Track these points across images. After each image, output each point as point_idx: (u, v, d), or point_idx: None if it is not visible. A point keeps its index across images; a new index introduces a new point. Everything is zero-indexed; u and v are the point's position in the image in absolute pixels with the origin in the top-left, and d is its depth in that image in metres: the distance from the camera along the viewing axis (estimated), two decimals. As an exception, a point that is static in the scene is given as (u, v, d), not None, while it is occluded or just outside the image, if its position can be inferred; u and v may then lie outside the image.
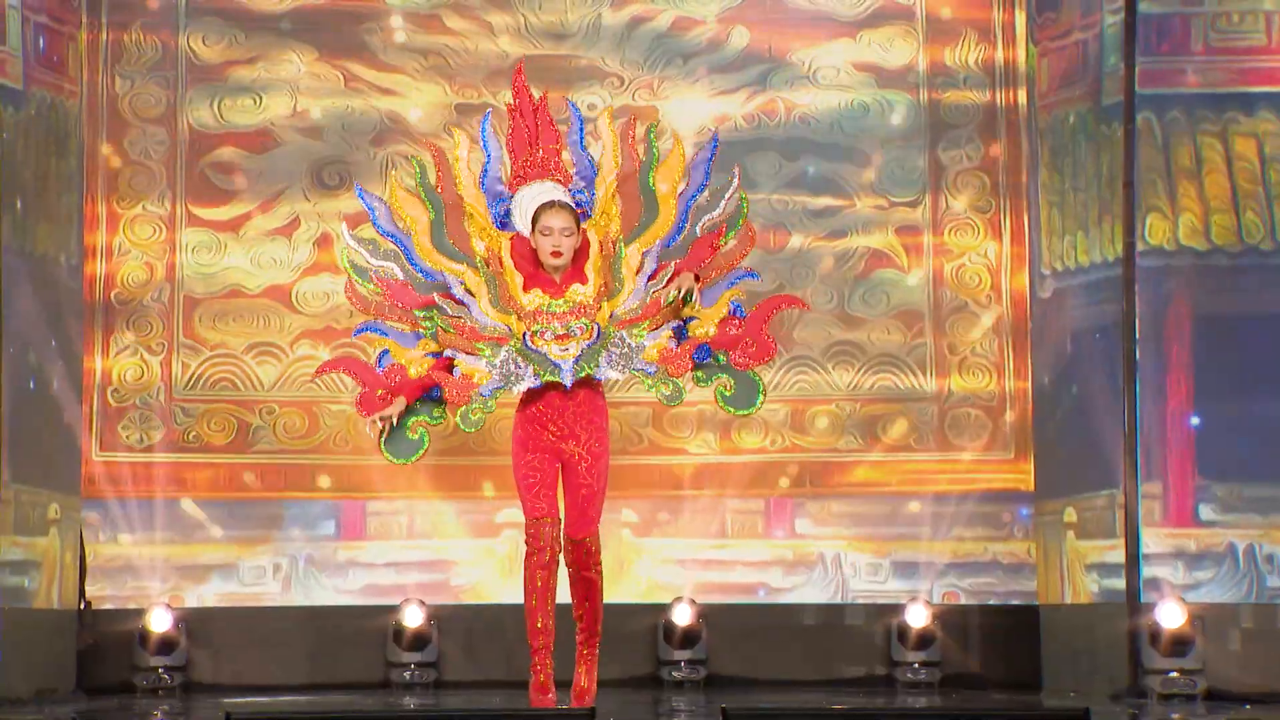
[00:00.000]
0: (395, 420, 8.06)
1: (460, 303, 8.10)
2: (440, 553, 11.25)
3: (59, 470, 10.75)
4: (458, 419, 8.02)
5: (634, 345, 8.03)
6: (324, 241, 11.33)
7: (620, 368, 8.01)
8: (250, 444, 11.19)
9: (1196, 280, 10.31)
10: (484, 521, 11.28)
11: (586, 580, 8.19)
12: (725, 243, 8.22)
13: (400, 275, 8.19)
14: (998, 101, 11.46)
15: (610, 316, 8.05)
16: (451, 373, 8.07)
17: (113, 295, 11.23)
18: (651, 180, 8.23)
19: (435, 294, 8.15)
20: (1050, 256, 10.97)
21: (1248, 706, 9.62)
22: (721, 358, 8.13)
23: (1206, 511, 10.24)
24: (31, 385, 10.41)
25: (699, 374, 8.10)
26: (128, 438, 11.14)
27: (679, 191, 8.24)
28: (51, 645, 10.61)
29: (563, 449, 8.01)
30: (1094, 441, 10.55)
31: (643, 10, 11.42)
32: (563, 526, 8.10)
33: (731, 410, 8.18)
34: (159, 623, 10.80)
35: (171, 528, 11.11)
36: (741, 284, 8.25)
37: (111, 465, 11.12)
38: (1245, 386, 10.24)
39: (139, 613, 10.89)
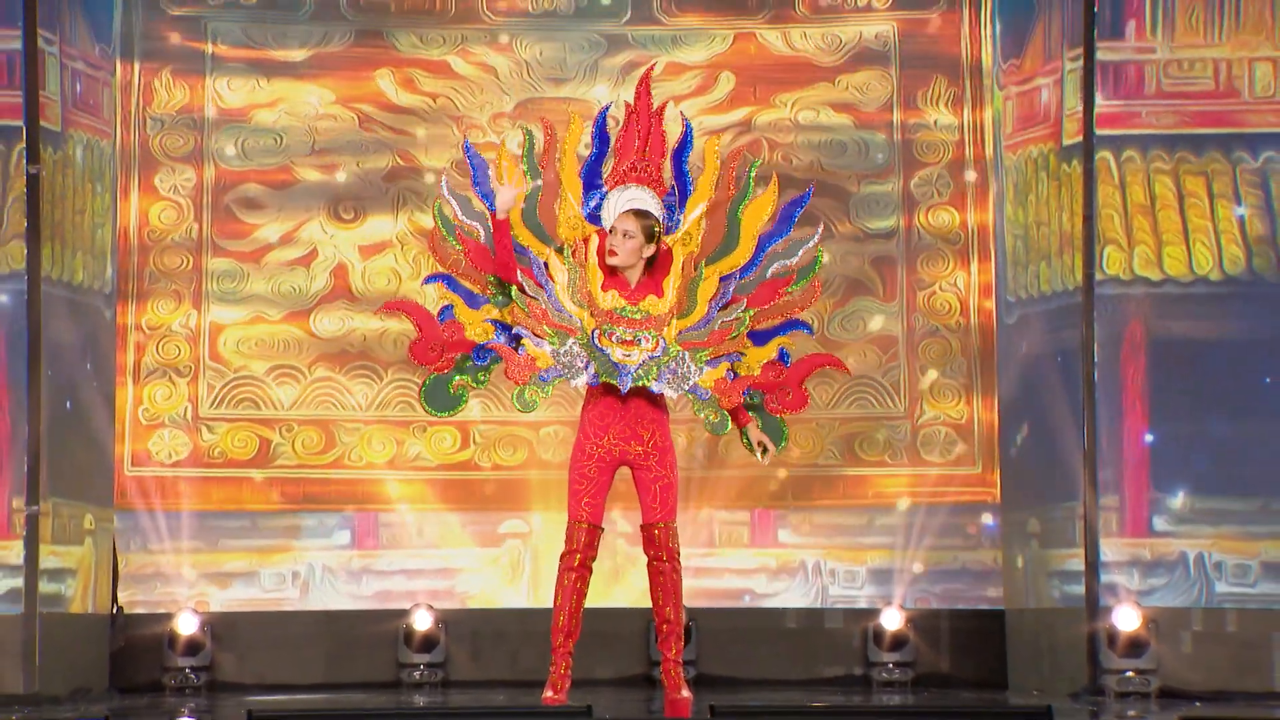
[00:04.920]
0: (449, 366, 7.88)
1: (539, 284, 7.86)
2: (448, 561, 11.31)
3: (93, 484, 10.81)
4: (514, 398, 7.83)
5: (693, 368, 7.83)
6: (340, 271, 11.42)
7: (676, 386, 7.81)
8: (271, 460, 11.27)
9: (1150, 308, 10.39)
10: (488, 532, 11.33)
11: (658, 570, 7.88)
12: (790, 291, 8.05)
13: (483, 238, 7.92)
14: (966, 141, 11.53)
15: (677, 335, 7.85)
16: (516, 350, 7.86)
17: (143, 321, 11.28)
18: (740, 213, 8.02)
19: (518, 269, 7.87)
20: (1015, 285, 11.04)
21: (1198, 704, 9.80)
22: (757, 398, 8.00)
23: (1160, 522, 10.34)
24: (68, 405, 10.47)
25: None
26: (157, 454, 11.23)
27: (761, 232, 8.03)
28: (87, 647, 10.70)
29: (626, 450, 7.82)
30: (1056, 457, 10.65)
31: (636, 56, 11.49)
32: (601, 527, 7.90)
33: (752, 450, 8.01)
34: (186, 626, 10.92)
35: (198, 537, 11.18)
36: (793, 334, 8.12)
37: (142, 479, 11.19)
38: (1196, 406, 10.35)
39: (168, 617, 10.97)
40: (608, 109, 8.16)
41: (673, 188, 8.04)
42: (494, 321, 7.94)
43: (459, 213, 8.01)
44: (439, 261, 8.04)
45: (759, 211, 8.08)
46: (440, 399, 7.99)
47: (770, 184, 8.09)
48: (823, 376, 11.20)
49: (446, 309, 8.00)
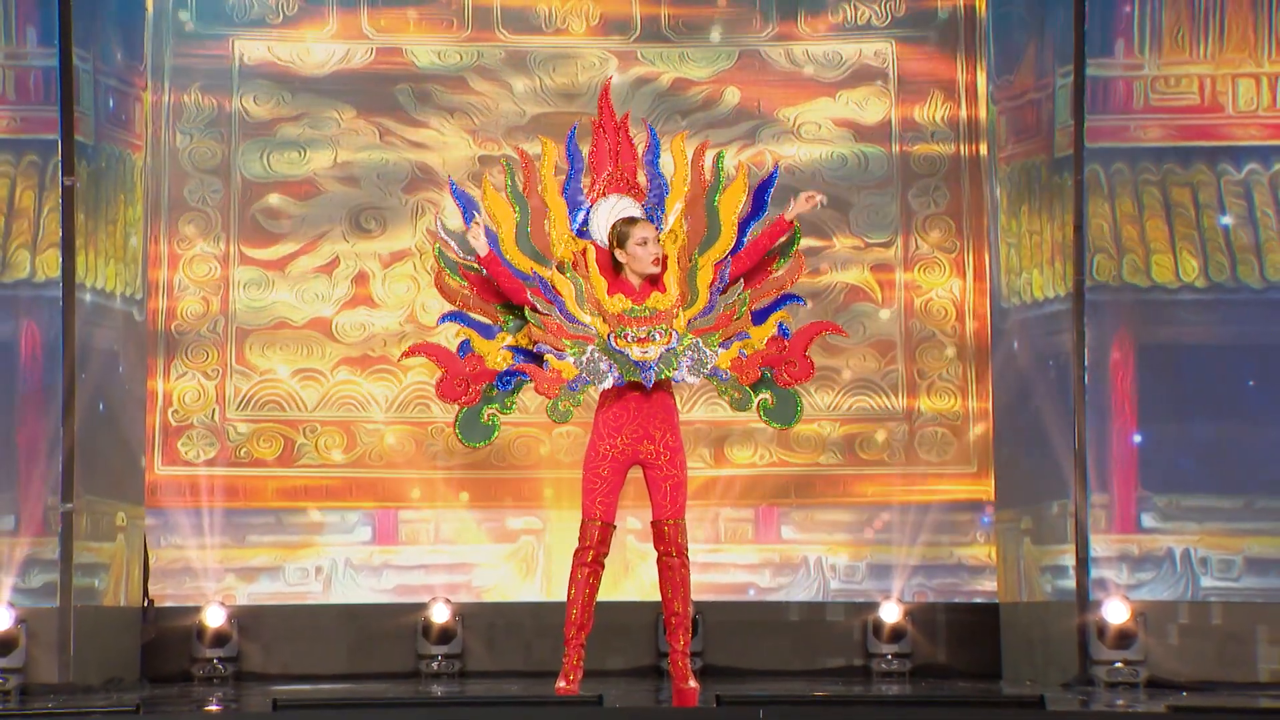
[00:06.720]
0: (475, 399, 8.07)
1: (549, 301, 7.99)
2: (464, 556, 11.43)
3: (125, 483, 10.95)
4: (547, 410, 7.99)
5: (708, 353, 7.97)
6: (361, 279, 11.54)
7: (697, 372, 7.95)
8: (295, 459, 11.41)
9: (1138, 314, 10.50)
10: (503, 528, 11.46)
11: (667, 565, 8.01)
12: (777, 269, 8.19)
13: (485, 271, 8.06)
14: (962, 154, 11.65)
15: (687, 324, 8.01)
16: (541, 367, 8.00)
17: (173, 326, 11.45)
18: (716, 202, 8.18)
19: (527, 291, 8.02)
20: (1009, 292, 11.11)
21: (1184, 694, 9.89)
22: (767, 373, 8.11)
23: (1148, 520, 10.44)
24: (101, 408, 10.59)
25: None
26: (186, 453, 11.39)
27: (739, 217, 8.18)
28: (119, 639, 10.84)
29: (639, 449, 7.96)
30: (1048, 457, 10.70)
31: (645, 72, 11.67)
32: (614, 524, 8.06)
33: (771, 423, 8.16)
34: (214, 619, 11.08)
35: (225, 534, 11.30)
36: (788, 307, 8.29)
37: (172, 478, 11.35)
38: (1182, 408, 10.48)
39: (196, 610, 11.12)
40: (575, 128, 8.36)
41: (651, 191, 8.26)
42: (511, 348, 8.13)
43: (457, 249, 8.20)
44: (447, 300, 8.23)
45: (733, 198, 8.23)
46: (475, 431, 8.15)
47: (740, 172, 8.25)
48: (825, 379, 11.45)
49: (464, 344, 8.20)
